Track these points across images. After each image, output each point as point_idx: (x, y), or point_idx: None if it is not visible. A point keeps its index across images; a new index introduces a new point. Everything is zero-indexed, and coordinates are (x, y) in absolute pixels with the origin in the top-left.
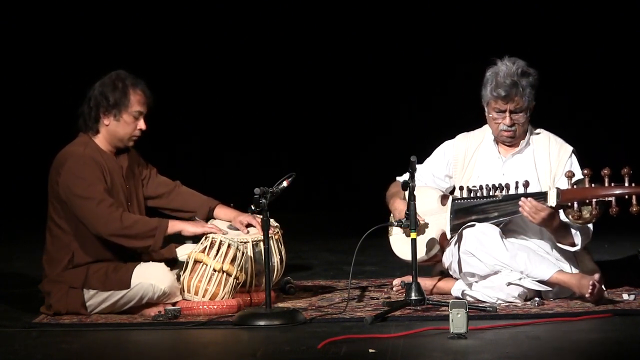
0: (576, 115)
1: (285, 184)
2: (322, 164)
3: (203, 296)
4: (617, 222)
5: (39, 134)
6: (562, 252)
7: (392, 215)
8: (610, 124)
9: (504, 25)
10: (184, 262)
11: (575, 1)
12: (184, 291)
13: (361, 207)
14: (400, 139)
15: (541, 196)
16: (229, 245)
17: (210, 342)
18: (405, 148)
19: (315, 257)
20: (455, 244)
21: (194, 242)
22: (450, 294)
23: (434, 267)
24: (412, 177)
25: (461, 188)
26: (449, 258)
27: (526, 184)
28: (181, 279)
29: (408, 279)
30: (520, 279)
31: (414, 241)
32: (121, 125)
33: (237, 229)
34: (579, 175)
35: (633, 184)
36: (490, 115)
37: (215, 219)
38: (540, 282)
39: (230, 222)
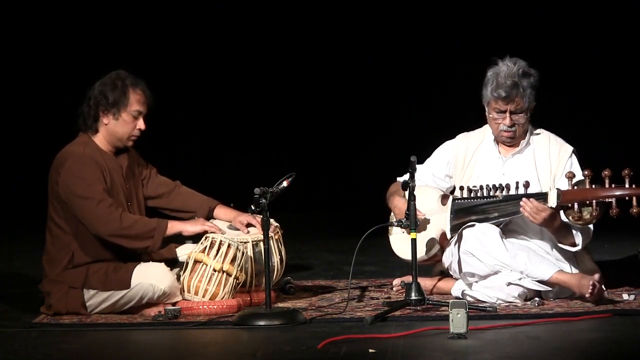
0: (576, 115)
1: (285, 184)
2: (322, 164)
3: (203, 296)
4: (617, 223)
5: (39, 134)
6: (562, 252)
7: (392, 214)
8: (611, 124)
9: (504, 25)
10: (184, 262)
11: (575, 1)
12: (184, 291)
13: (361, 207)
14: (400, 139)
15: (541, 197)
16: (229, 245)
17: (210, 342)
18: (405, 148)
19: (315, 257)
20: (455, 244)
21: (194, 242)
22: (450, 294)
23: (434, 267)
24: (412, 177)
25: (461, 188)
26: (449, 258)
27: (526, 185)
28: (181, 279)
29: (408, 279)
30: (520, 279)
31: (414, 241)
32: (120, 125)
33: (237, 229)
34: (579, 175)
35: (633, 185)
36: (491, 116)
37: (215, 219)
38: (540, 282)
39: (230, 222)
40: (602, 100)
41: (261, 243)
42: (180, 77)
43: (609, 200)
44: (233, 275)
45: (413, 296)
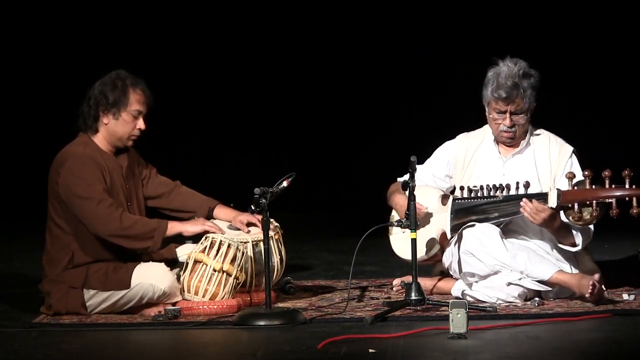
0: (576, 115)
1: (285, 184)
2: (322, 164)
3: (203, 296)
4: (617, 223)
5: (39, 134)
6: (562, 252)
7: (392, 214)
8: (611, 124)
9: (504, 25)
10: (184, 262)
11: (575, 1)
12: (184, 291)
13: (361, 207)
14: (400, 139)
15: (542, 197)
16: (229, 245)
17: (210, 342)
18: (405, 148)
19: (315, 257)
20: (455, 244)
21: (194, 242)
22: (450, 294)
23: (434, 267)
24: (412, 177)
25: (462, 188)
26: (449, 258)
27: (527, 185)
28: (181, 279)
29: (408, 279)
30: (520, 279)
31: (414, 241)
32: (120, 124)
33: (238, 229)
34: (579, 175)
35: (634, 186)
36: (491, 116)
37: (215, 219)
38: (540, 282)
39: (230, 222)
40: (603, 101)
41: (261, 243)
42: (180, 77)
43: (609, 200)
44: (233, 275)
45: (413, 296)
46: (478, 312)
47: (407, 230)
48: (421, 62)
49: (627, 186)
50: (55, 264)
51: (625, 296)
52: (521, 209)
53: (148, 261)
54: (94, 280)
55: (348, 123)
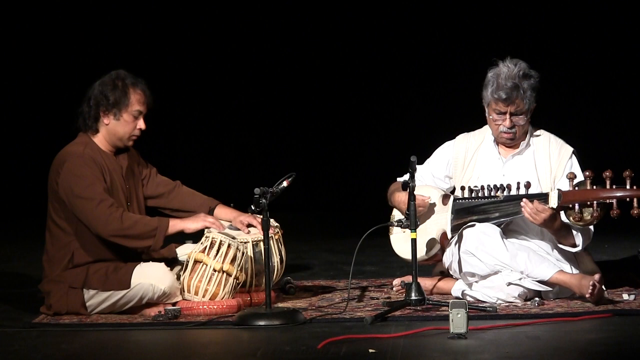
0: (577, 115)
1: (285, 184)
2: (322, 164)
3: (203, 296)
4: (617, 223)
5: (39, 134)
6: (563, 253)
7: (392, 214)
8: (612, 125)
9: (504, 25)
10: (184, 261)
11: (576, 1)
12: (184, 291)
13: (361, 207)
14: (400, 139)
15: (542, 197)
16: (229, 245)
17: (210, 342)
18: (405, 148)
19: (315, 257)
20: (455, 243)
21: (194, 242)
22: (450, 294)
23: (434, 267)
24: (412, 177)
25: (462, 188)
26: (449, 258)
27: (527, 185)
28: (181, 279)
29: (408, 279)
30: (520, 279)
31: (414, 241)
32: (121, 125)
33: (238, 229)
34: (579, 175)
35: (634, 187)
36: (491, 117)
37: None
38: (541, 282)
39: (230, 222)
40: (603, 101)
41: (261, 243)
42: (180, 77)
43: (610, 201)
44: (233, 275)
45: (413, 296)
46: (478, 312)
47: (408, 230)
48: (421, 62)
49: (627, 187)
50: (55, 264)
51: (625, 296)
52: (521, 209)
53: (148, 260)
54: (94, 280)
55: (348, 123)
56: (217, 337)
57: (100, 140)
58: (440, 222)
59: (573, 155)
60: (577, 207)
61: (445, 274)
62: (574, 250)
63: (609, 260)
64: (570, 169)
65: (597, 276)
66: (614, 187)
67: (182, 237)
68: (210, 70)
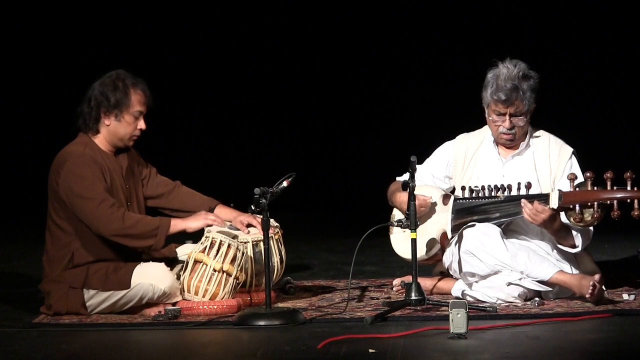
0: (577, 116)
1: (285, 184)
2: (322, 164)
3: (203, 296)
4: (617, 223)
5: (39, 134)
6: (563, 253)
7: (392, 213)
8: (613, 125)
9: (505, 25)
10: (184, 261)
11: (576, 1)
12: (184, 291)
13: (361, 207)
14: (400, 139)
15: (543, 198)
16: (229, 245)
17: (210, 342)
18: (405, 148)
19: (315, 257)
20: (455, 243)
21: (194, 242)
22: (450, 294)
23: (434, 267)
24: (412, 177)
25: (463, 188)
26: (449, 258)
27: (528, 186)
28: (181, 279)
29: (408, 279)
30: (520, 279)
31: (414, 241)
32: (122, 125)
33: (238, 229)
34: (580, 176)
35: (635, 188)
36: (490, 118)
37: None
38: (541, 282)
39: (230, 222)
40: (603, 101)
41: (261, 243)
42: (180, 77)
43: (611, 202)
44: (233, 275)
45: (413, 296)
46: (478, 312)
47: (408, 230)
48: (421, 62)
49: (628, 188)
50: (55, 263)
51: (625, 296)
52: (522, 209)
53: (148, 260)
54: (94, 280)
55: (348, 123)
56: (217, 337)
57: (101, 140)
58: (440, 222)
59: (573, 156)
60: (577, 208)
61: (445, 274)
62: (573, 251)
63: (609, 260)
64: (570, 170)
65: (597, 276)
66: (614, 188)
67: (182, 237)
68: (210, 70)
